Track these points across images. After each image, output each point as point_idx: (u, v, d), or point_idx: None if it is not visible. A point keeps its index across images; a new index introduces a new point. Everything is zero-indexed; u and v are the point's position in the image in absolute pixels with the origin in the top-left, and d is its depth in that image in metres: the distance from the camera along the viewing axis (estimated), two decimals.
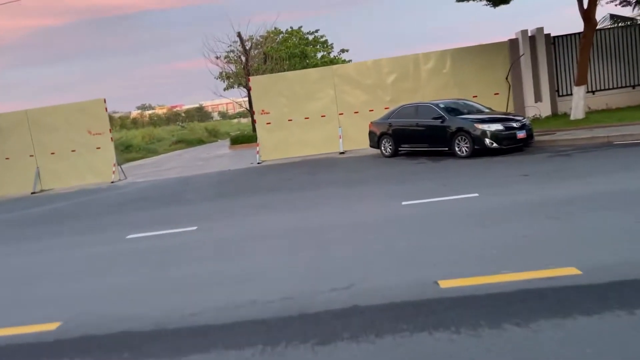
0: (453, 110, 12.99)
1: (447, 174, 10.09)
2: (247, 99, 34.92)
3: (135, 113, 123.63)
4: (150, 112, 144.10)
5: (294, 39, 31.89)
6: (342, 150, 16.64)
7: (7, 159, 17.44)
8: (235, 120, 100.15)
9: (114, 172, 17.22)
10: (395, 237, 5.72)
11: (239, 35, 27.41)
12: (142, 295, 4.86)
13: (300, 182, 11.55)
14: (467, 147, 12.01)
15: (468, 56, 16.85)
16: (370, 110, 16.66)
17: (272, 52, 29.55)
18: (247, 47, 27.52)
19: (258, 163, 16.73)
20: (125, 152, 31.59)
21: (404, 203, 7.40)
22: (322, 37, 32.68)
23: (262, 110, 16.96)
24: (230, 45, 29.35)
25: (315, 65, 30.84)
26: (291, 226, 6.98)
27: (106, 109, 17.35)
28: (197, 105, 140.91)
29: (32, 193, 17.01)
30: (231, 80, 29.69)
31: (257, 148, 17.12)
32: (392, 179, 10.52)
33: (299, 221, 7.29)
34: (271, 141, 16.98)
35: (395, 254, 5.08)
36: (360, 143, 16.33)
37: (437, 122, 12.71)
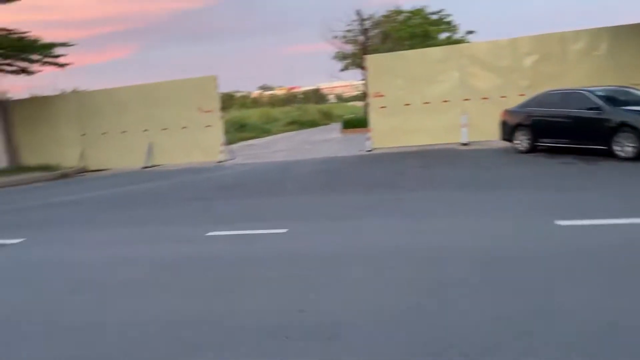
0: (613, 99, 10.32)
1: (611, 182, 7.73)
2: (362, 81, 33.46)
3: (255, 93, 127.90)
4: (269, 92, 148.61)
5: (417, 19, 29.50)
6: (465, 142, 14.44)
7: (123, 132, 17.58)
8: (351, 104, 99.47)
9: (221, 151, 16.61)
10: (567, 289, 3.79)
11: (358, 13, 25.78)
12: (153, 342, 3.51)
13: (414, 178, 9.74)
14: (633, 146, 9.37)
15: (630, 36, 13.70)
16: (502, 97, 14.23)
17: (392, 32, 27.53)
18: (366, 27, 25.78)
19: (368, 151, 15.11)
20: (240, 130, 31.67)
21: (559, 223, 5.34)
22: (447, 16, 29.83)
23: (377, 93, 15.24)
24: (349, 25, 27.80)
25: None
26: (399, 243, 5.27)
27: (217, 86, 16.73)
28: (314, 88, 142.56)
29: (143, 168, 16.99)
30: (348, 61, 28.17)
31: (368, 134, 15.48)
32: (533, 183, 8.33)
33: (409, 236, 5.55)
34: (384, 127, 15.24)
35: (585, 325, 3.21)
36: (487, 134, 14.03)
37: (592, 114, 10.15)
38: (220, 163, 16.16)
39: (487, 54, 14.70)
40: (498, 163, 10.78)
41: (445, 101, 14.79)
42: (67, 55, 17.58)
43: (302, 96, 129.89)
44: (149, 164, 17.19)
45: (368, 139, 15.40)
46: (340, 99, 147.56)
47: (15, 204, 11.47)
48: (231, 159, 16.89)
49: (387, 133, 15.18)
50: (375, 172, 11.19)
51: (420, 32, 28.53)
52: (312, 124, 39.43)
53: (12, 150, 18.35)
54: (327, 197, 8.69)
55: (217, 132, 16.75)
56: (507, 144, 12.53)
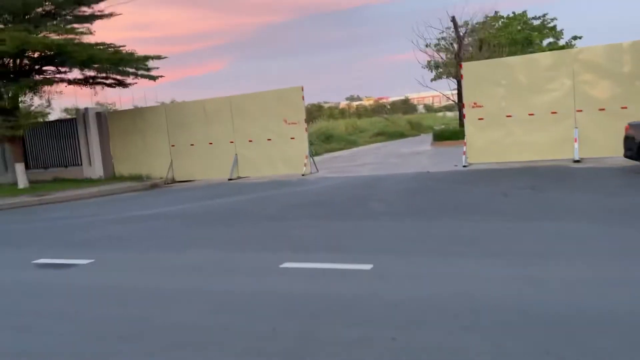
0: None
1: None
2: (455, 90, 31.71)
3: (343, 104, 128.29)
4: (357, 103, 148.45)
5: (517, 25, 27.42)
6: (577, 158, 12.65)
7: (210, 144, 17.53)
8: (440, 114, 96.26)
9: (305, 164, 15.99)
10: None
11: (453, 19, 24.27)
12: None
13: (522, 202, 8.36)
14: None
15: None
16: (622, 108, 12.32)
17: (489, 39, 25.72)
18: (462, 33, 24.23)
19: (464, 166, 13.74)
20: (326, 142, 31.16)
21: None
22: (551, 20, 27.50)
23: (474, 103, 13.85)
24: (442, 32, 26.35)
25: None
26: (511, 305, 4.08)
27: (303, 97, 16.15)
28: (402, 98, 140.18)
29: (228, 179, 16.79)
30: (440, 70, 26.71)
31: (464, 148, 14.11)
32: None
33: (530, 288, 4.31)
34: (482, 140, 13.81)
35: None
36: (605, 150, 12.23)
37: None
38: (304, 176, 15.53)
39: (604, 59, 12.82)
40: (625, 185, 9.09)
41: (554, 112, 13.08)
42: (161, 69, 17.92)
43: (390, 106, 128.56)
44: (234, 176, 16.95)
45: (464, 153, 14.03)
46: (430, 109, 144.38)
47: (102, 215, 11.47)
48: (315, 172, 16.23)
49: (485, 147, 13.74)
50: (473, 192, 9.91)
51: (521, 38, 26.51)
52: (400, 135, 38.11)
53: (107, 160, 18.98)
54: (419, 222, 7.59)
55: (302, 145, 16.15)
56: (631, 162, 10.70)
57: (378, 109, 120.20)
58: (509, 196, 8.90)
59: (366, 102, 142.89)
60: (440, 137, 23.91)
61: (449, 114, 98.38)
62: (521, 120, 13.31)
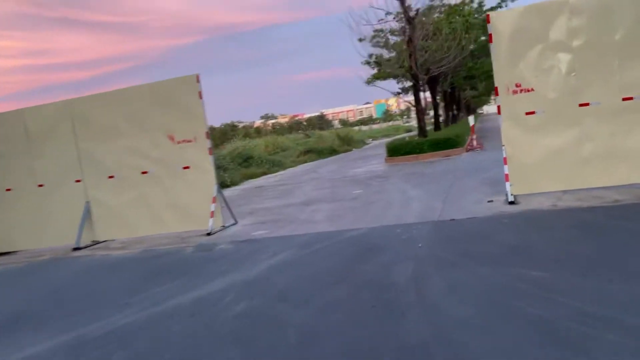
0: None
1: None
2: (399, 95, 25.92)
3: (258, 122, 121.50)
4: (273, 121, 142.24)
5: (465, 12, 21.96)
6: None
7: (40, 186, 9.77)
8: (356, 128, 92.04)
9: (212, 214, 8.79)
10: None
11: None
12: None
13: None
14: None
15: None
16: None
17: (441, 25, 19.95)
18: (412, 15, 18.17)
19: (510, 202, 7.24)
20: (244, 165, 23.92)
21: None
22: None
23: (517, 85, 7.42)
24: (382, 21, 20.14)
25: None
26: None
27: (201, 94, 8.99)
28: (318, 114, 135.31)
29: (74, 249, 9.17)
30: (387, 63, 20.44)
31: (505, 169, 7.57)
32: None
33: None
34: (535, 154, 7.36)
35: None
36: None
37: None
38: (212, 236, 8.36)
39: None
40: None
41: None
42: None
43: (306, 123, 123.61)
44: (83, 243, 9.39)
45: (506, 178, 7.50)
46: (345, 123, 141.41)
47: None
48: (233, 224, 9.11)
49: (542, 165, 7.33)
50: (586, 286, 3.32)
51: (478, 22, 21.01)
52: (332, 151, 31.66)
53: None
54: None
55: (205, 178, 8.95)
56: None
57: (295, 125, 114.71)
58: None
59: (282, 120, 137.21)
60: (396, 151, 17.59)
61: (364, 128, 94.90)
62: (610, 112, 7.03)
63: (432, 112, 25.59)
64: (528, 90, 7.34)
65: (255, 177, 21.08)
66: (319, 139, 37.09)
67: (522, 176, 7.43)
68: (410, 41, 17.75)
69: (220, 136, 63.00)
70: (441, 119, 26.46)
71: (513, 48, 7.36)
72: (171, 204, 9.16)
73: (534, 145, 7.39)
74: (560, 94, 7.19)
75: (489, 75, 34.33)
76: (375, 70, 22.24)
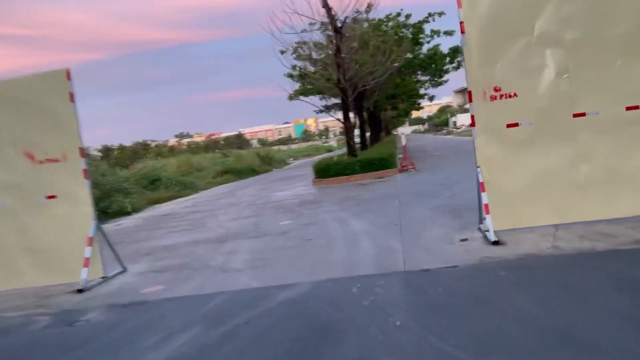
0: None
1: None
2: (322, 113, 24.30)
3: (172, 141, 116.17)
4: (188, 140, 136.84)
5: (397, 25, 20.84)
6: None
7: None
8: (275, 148, 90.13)
9: (87, 261, 6.26)
10: None
11: (326, 5, 16.49)
12: None
13: None
14: None
15: None
16: None
17: (368, 38, 18.57)
18: (339, 24, 16.56)
19: (493, 242, 5.45)
20: (151, 188, 20.96)
21: None
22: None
23: (495, 89, 5.73)
24: (305, 31, 18.35)
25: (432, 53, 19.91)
26: None
27: (73, 96, 6.48)
28: (236, 133, 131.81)
29: None
30: (313, 76, 18.60)
31: (484, 197, 5.79)
32: None
33: None
34: (519, 178, 5.69)
35: None
36: None
37: None
38: (84, 293, 5.86)
39: None
40: None
41: None
42: None
43: (223, 142, 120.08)
44: None
45: (485, 210, 5.71)
46: (264, 143, 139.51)
47: None
48: (120, 272, 6.62)
49: (527, 194, 5.64)
50: None
51: (408, 39, 19.93)
52: (251, 172, 29.31)
53: None
54: None
55: (78, 211, 6.43)
56: None
57: (212, 145, 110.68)
58: None
59: (198, 139, 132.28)
60: (325, 172, 15.72)
61: (283, 147, 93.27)
62: (611, 124, 5.51)
63: (357, 131, 24.13)
64: (510, 96, 5.68)
65: (164, 202, 18.30)
66: (238, 159, 34.61)
67: (502, 207, 5.71)
68: (338, 52, 16.09)
69: (131, 155, 58.59)
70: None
71: (490, 41, 5.69)
72: (29, 247, 6.51)
73: (518, 166, 5.71)
74: (549, 101, 5.59)
75: (410, 95, 34.01)
76: (298, 85, 20.41)
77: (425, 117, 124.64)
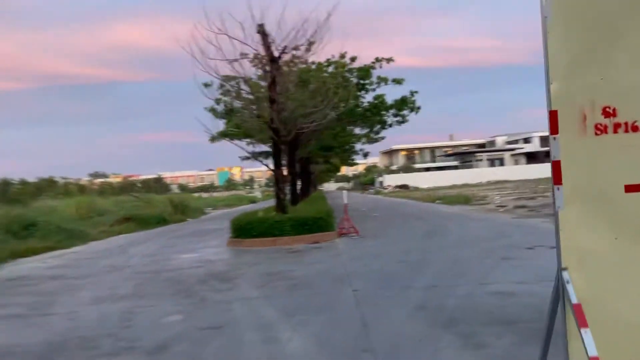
0: None
1: None
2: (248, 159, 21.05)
3: (85, 180, 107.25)
4: (102, 180, 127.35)
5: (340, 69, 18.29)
6: None
7: None
8: (196, 195, 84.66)
9: None
10: None
11: (261, 29, 13.54)
12: None
13: None
14: None
15: None
16: None
17: (307, 76, 15.82)
18: (276, 53, 13.62)
19: None
20: (23, 236, 16.29)
21: None
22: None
23: (607, 113, 2.77)
24: (235, 60, 15.20)
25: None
26: None
27: None
28: (155, 176, 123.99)
29: None
30: (242, 112, 15.24)
31: (586, 334, 2.72)
32: None
33: None
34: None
35: None
36: None
37: None
38: None
39: None
40: None
41: None
42: None
43: (140, 185, 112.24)
44: None
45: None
46: (184, 189, 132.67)
47: None
48: None
49: None
50: None
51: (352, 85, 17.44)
52: (160, 220, 24.94)
53: None
54: None
55: None
56: None
57: (128, 187, 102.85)
58: None
59: (113, 180, 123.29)
60: (246, 231, 12.23)
61: (204, 195, 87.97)
62: None
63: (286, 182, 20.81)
64: (634, 128, 2.73)
65: (35, 254, 13.86)
66: (147, 204, 30.06)
67: (614, 345, 2.63)
68: (273, 84, 13.08)
69: (34, 192, 52.44)
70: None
71: (602, 22, 2.76)
72: None
73: None
74: None
75: (345, 149, 31.65)
76: (223, 124, 17.06)
77: (350, 175, 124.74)
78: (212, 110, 16.24)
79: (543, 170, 62.95)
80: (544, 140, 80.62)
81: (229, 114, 16.39)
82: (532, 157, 75.20)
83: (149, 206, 29.72)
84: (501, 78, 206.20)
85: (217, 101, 15.50)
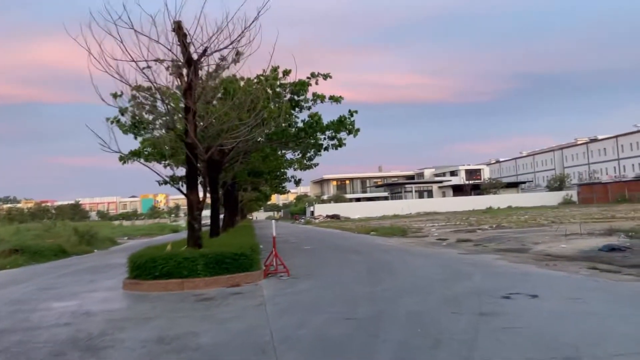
0: None
1: None
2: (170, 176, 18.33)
3: None
4: (10, 205, 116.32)
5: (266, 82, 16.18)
6: None
7: None
8: (117, 222, 78.49)
9: None
10: None
11: (178, 27, 11.14)
12: None
13: None
14: None
15: None
16: None
17: (236, 88, 13.53)
18: (195, 55, 11.25)
19: None
20: None
21: None
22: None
23: None
24: (148, 66, 12.61)
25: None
26: None
27: None
28: (72, 202, 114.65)
29: None
30: (152, 124, 12.53)
31: None
32: None
33: None
34: None
35: None
36: None
37: None
38: None
39: None
40: None
41: None
42: None
43: (55, 211, 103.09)
44: None
45: None
46: (104, 216, 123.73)
47: None
48: None
49: None
50: None
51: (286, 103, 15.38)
52: (58, 252, 21.15)
53: None
54: None
55: None
56: None
57: (39, 213, 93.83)
58: None
59: (24, 205, 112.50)
60: (147, 270, 9.53)
61: (125, 223, 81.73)
62: None
63: (207, 212, 17.98)
64: None
65: None
66: (46, 232, 25.97)
67: None
68: (189, 90, 10.67)
69: None
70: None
71: None
72: None
73: None
74: None
75: (275, 176, 29.33)
76: (135, 141, 14.29)
77: (281, 204, 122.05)
78: (116, 121, 13.43)
79: (469, 202, 64.24)
80: (469, 173, 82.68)
81: (136, 126, 13.68)
82: (458, 190, 76.60)
83: (49, 235, 25.69)
84: (430, 114, 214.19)
85: (122, 111, 12.73)
